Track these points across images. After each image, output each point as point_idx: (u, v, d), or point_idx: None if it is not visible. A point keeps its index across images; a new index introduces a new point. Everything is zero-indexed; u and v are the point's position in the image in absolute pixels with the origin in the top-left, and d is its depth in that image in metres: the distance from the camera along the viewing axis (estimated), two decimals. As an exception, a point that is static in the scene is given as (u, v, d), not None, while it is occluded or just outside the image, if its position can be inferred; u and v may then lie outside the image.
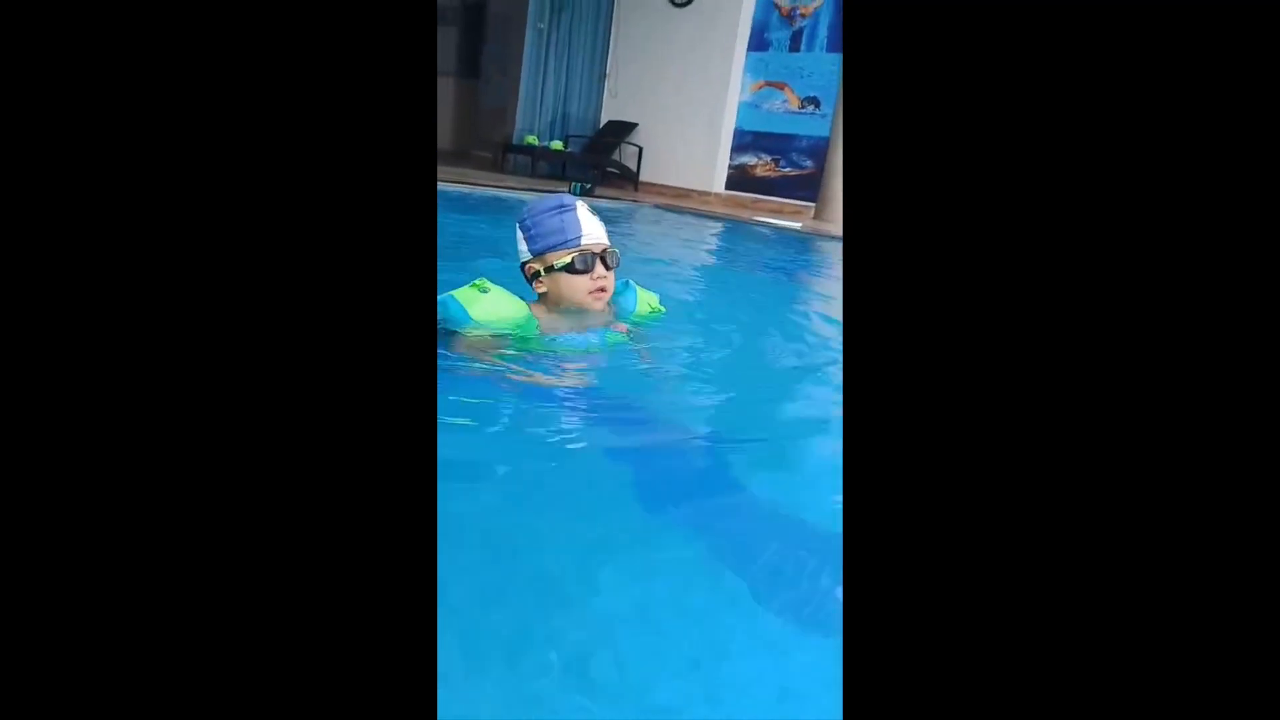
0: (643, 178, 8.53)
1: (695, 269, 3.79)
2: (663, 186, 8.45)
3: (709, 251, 4.69)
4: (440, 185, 5.93)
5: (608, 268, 1.68)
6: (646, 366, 1.72)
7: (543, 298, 1.72)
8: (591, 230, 1.66)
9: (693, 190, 8.32)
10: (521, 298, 1.65)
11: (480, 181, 6.40)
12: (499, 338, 1.58)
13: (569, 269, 1.64)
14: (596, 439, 1.33)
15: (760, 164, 8.15)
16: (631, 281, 1.88)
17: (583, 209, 1.67)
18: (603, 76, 8.93)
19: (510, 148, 8.56)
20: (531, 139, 8.39)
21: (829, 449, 1.34)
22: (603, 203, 6.49)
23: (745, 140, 8.18)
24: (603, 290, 1.69)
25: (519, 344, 1.61)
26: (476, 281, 1.61)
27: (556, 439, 1.29)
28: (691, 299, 2.56)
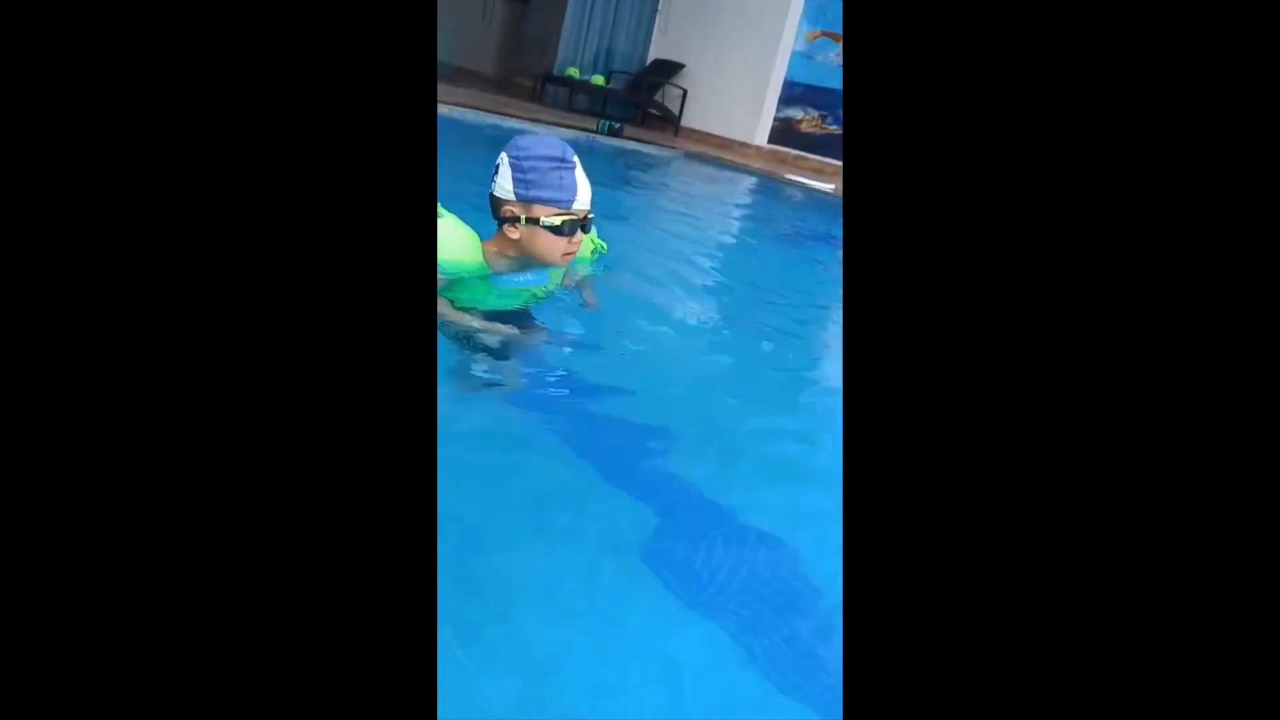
0: (684, 123, 8.22)
1: (700, 223, 3.61)
2: (704, 134, 8.14)
3: (728, 208, 4.48)
4: (471, 114, 5.74)
5: (584, 231, 1.62)
6: (591, 309, 1.72)
7: (502, 238, 1.63)
8: (584, 195, 1.59)
9: (734, 141, 8.01)
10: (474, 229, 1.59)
11: (513, 112, 6.19)
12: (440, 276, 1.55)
13: (555, 230, 1.56)
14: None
15: (807, 119, 7.80)
16: None
17: (580, 169, 1.59)
18: (654, 13, 8.55)
19: (549, 79, 8.28)
20: (572, 71, 8.09)
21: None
22: (636, 145, 6.26)
23: (794, 92, 7.81)
24: (572, 255, 1.64)
25: (460, 286, 1.58)
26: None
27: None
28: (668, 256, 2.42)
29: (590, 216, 1.63)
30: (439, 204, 1.55)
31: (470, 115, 5.75)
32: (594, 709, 0.72)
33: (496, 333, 1.57)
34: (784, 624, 0.88)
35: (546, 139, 1.61)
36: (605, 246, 1.93)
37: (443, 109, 5.56)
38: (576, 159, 1.59)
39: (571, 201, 1.56)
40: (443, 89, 6.54)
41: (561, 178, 1.55)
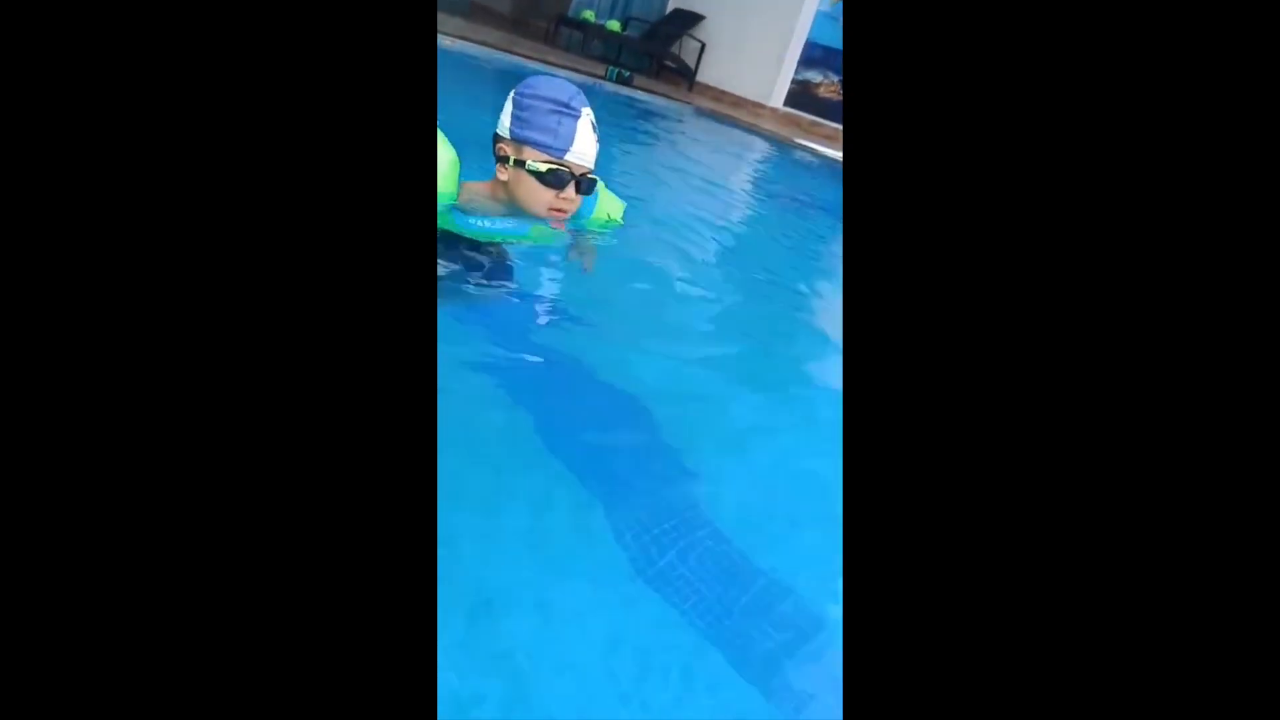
0: (699, 78, 8.00)
1: (706, 183, 3.51)
2: (719, 91, 7.94)
3: (734, 170, 4.37)
4: (477, 50, 5.57)
5: (579, 191, 1.53)
6: (584, 273, 1.61)
7: (496, 180, 1.56)
8: (582, 148, 1.49)
9: (749, 100, 7.80)
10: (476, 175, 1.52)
11: (524, 53, 5.99)
12: None
13: (540, 176, 1.48)
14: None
15: (825, 84, 7.59)
16: (600, 182, 1.68)
17: (586, 120, 1.48)
18: (678, -42, 8.26)
19: (563, 21, 8.02)
20: (588, 14, 7.84)
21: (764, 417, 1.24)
22: (646, 96, 6.09)
23: (815, 55, 7.59)
24: (563, 212, 1.54)
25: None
26: None
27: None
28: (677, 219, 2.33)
29: (592, 177, 1.54)
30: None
31: (479, 51, 5.58)
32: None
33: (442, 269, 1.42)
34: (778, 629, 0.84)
35: (560, 81, 1.52)
36: (621, 219, 1.80)
37: (452, 44, 5.39)
38: (587, 110, 1.50)
39: (564, 150, 1.47)
40: (456, 24, 6.34)
41: (560, 122, 1.47)
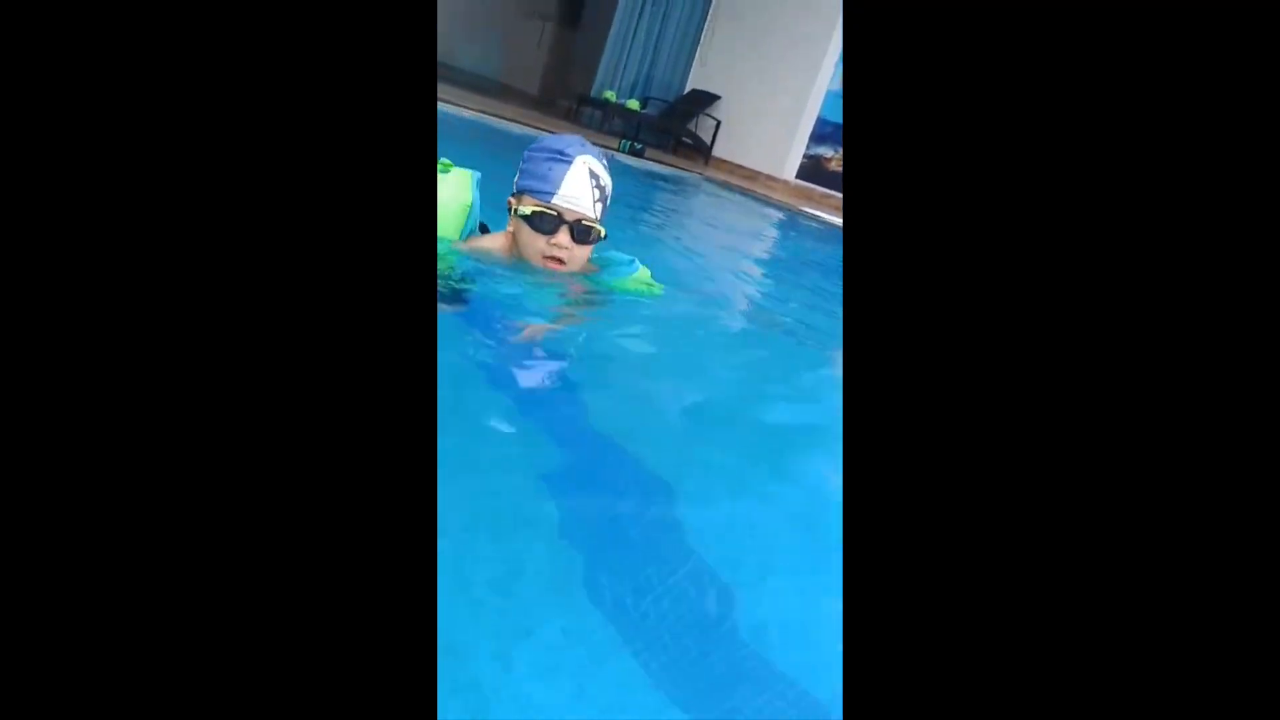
0: (715, 153, 8.36)
1: (719, 247, 3.68)
2: (733, 165, 8.27)
3: (748, 232, 4.57)
4: (503, 124, 5.92)
5: (575, 239, 1.51)
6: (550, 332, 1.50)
7: (507, 233, 1.63)
8: (573, 192, 1.48)
9: (762, 173, 8.13)
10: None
11: (545, 127, 6.37)
12: None
13: (527, 220, 1.50)
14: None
15: (835, 158, 7.90)
16: (639, 261, 1.69)
17: (580, 167, 1.49)
18: (695, 43, 8.74)
19: (585, 100, 8.48)
20: (609, 94, 8.29)
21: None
22: (664, 169, 6.39)
23: (826, 131, 7.93)
24: (558, 261, 1.52)
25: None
26: (442, 160, 1.50)
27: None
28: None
29: (589, 225, 1.52)
30: (448, 160, 1.53)
31: (505, 125, 5.94)
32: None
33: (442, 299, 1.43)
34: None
35: (566, 136, 1.56)
36: (659, 288, 1.69)
37: (480, 116, 5.75)
38: (584, 158, 1.50)
39: (550, 194, 1.47)
40: (483, 101, 6.74)
41: (551, 168, 1.48)
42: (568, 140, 1.55)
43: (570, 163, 1.49)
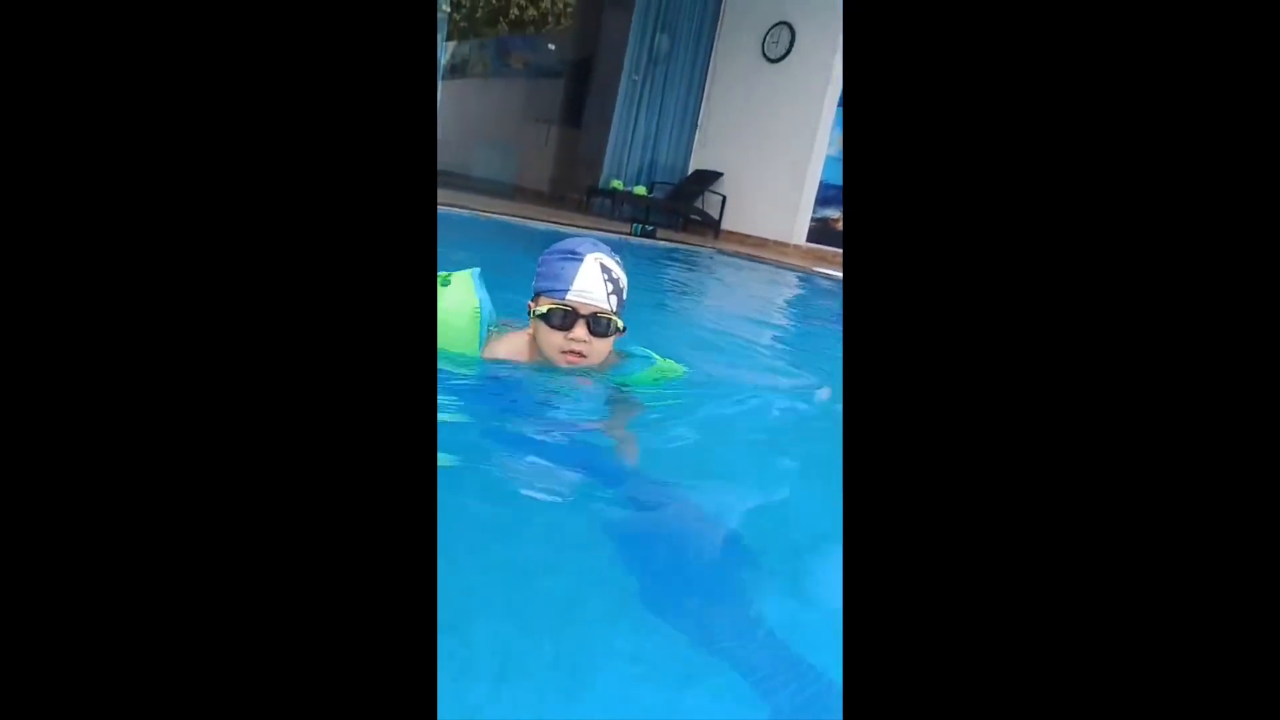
0: (724, 226, 8.61)
1: (739, 315, 3.76)
2: (743, 235, 8.50)
3: (754, 294, 4.68)
4: (520, 222, 6.20)
5: (592, 333, 1.52)
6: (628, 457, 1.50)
7: (529, 333, 1.66)
8: (586, 286, 1.51)
9: (772, 240, 8.33)
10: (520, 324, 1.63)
11: (560, 220, 6.65)
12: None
13: (544, 319, 1.53)
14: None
15: (841, 219, 8.10)
16: (656, 356, 1.69)
17: (591, 264, 1.52)
18: (694, 127, 9.15)
19: (594, 191, 8.86)
20: (616, 183, 8.65)
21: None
22: (677, 246, 6.61)
23: (829, 194, 8.15)
24: (578, 355, 1.54)
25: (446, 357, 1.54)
26: (441, 274, 1.55)
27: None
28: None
29: (606, 317, 1.53)
30: (448, 273, 1.58)
31: (521, 223, 6.23)
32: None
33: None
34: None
35: (576, 238, 1.62)
36: (682, 370, 1.71)
37: (498, 218, 6.04)
38: (596, 255, 1.54)
39: (564, 291, 1.50)
40: (502, 204, 7.09)
41: (563, 268, 1.52)
42: (579, 241, 1.60)
43: (581, 260, 1.53)
